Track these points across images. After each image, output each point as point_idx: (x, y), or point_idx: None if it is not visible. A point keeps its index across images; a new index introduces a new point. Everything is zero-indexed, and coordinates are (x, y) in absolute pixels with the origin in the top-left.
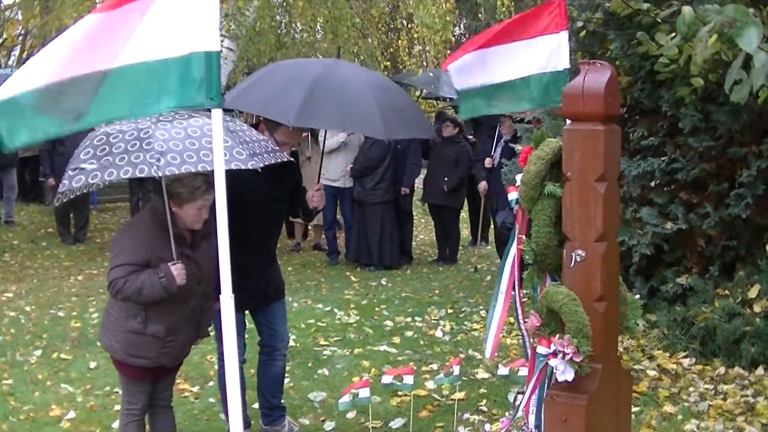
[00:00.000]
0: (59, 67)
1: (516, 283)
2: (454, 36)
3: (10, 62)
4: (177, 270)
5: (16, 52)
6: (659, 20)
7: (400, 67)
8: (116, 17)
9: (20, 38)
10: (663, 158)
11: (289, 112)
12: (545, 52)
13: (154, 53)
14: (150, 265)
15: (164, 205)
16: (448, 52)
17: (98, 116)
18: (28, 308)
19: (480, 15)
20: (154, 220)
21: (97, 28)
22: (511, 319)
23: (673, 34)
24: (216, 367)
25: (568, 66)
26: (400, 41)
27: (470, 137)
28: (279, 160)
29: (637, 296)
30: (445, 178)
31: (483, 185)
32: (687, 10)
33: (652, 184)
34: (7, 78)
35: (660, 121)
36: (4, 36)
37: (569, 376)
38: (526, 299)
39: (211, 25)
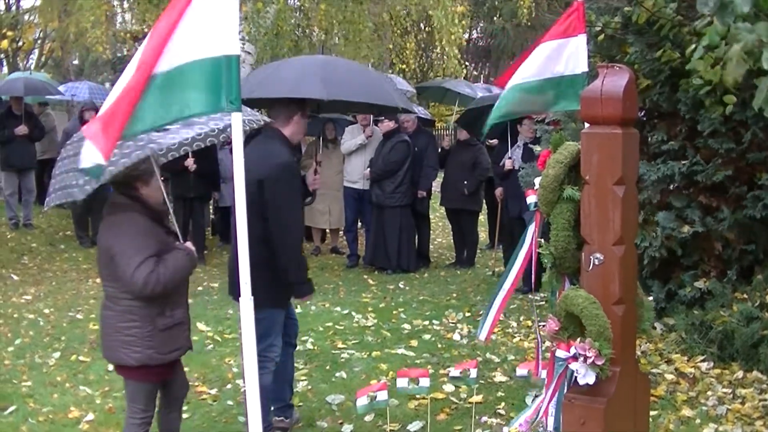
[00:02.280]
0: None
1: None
2: (470, 40)
3: (28, 65)
4: (189, 245)
5: (35, 55)
6: (694, 29)
7: (404, 68)
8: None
9: (38, 42)
10: (684, 162)
11: (320, 90)
12: (563, 56)
13: (177, 60)
14: (160, 252)
15: (123, 199)
16: (459, 56)
17: (141, 125)
18: (46, 311)
19: (495, 18)
20: (134, 213)
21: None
22: (528, 323)
23: (693, 46)
24: (234, 370)
25: (586, 69)
26: (408, 44)
27: (492, 141)
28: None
29: (650, 298)
30: (465, 182)
31: (500, 190)
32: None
33: (671, 187)
34: (23, 80)
35: (678, 125)
36: (23, 40)
37: (590, 379)
38: (543, 303)
39: (231, 29)
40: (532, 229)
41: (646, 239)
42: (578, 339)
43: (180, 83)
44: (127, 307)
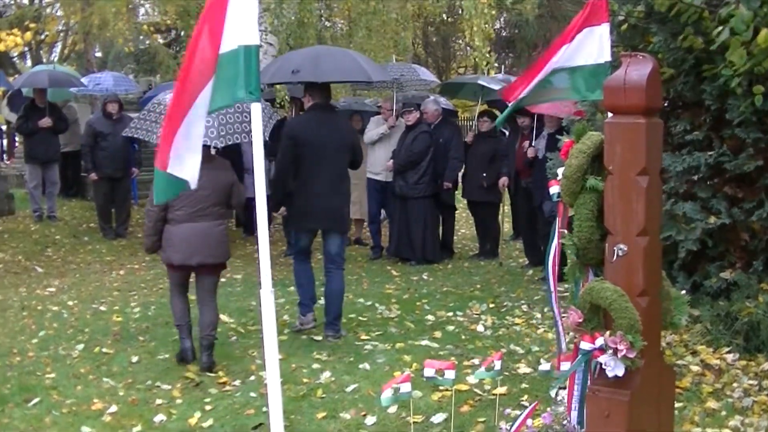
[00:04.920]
0: None
1: (553, 278)
2: (494, 30)
3: (52, 57)
4: None
5: (58, 48)
6: (719, 16)
7: (429, 60)
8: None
9: (61, 34)
10: (710, 152)
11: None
12: (586, 45)
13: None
14: None
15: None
16: (489, 49)
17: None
18: (70, 303)
19: (518, 10)
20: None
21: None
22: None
23: (720, 28)
24: (257, 361)
25: (609, 59)
26: (436, 36)
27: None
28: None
29: (683, 291)
30: (484, 174)
31: (504, 180)
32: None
33: (695, 178)
34: (47, 73)
35: (702, 115)
36: (46, 32)
37: (620, 371)
38: (566, 294)
39: (250, 19)
40: (558, 223)
41: (681, 232)
42: (608, 332)
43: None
44: (226, 221)
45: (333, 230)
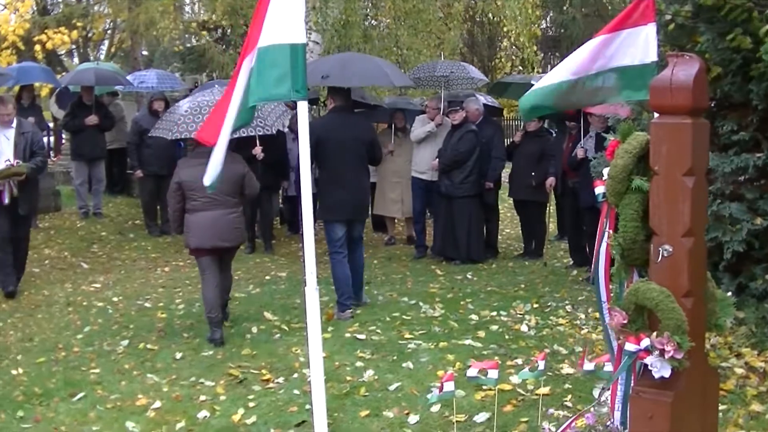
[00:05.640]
0: None
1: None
2: (541, 30)
3: (98, 55)
4: None
5: (105, 46)
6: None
7: (475, 59)
8: None
9: (108, 32)
10: (759, 154)
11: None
12: (632, 45)
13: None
14: None
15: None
16: (535, 48)
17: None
18: (115, 299)
19: (566, 8)
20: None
21: None
22: (596, 315)
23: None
24: (301, 359)
25: (655, 59)
26: (481, 35)
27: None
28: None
29: (728, 293)
30: (532, 173)
31: (551, 180)
32: None
33: (741, 179)
34: (93, 70)
35: (750, 115)
36: (93, 30)
37: (666, 372)
38: (611, 294)
39: (297, 17)
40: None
41: (727, 233)
42: (654, 333)
43: (256, 69)
44: (241, 208)
45: (357, 220)
